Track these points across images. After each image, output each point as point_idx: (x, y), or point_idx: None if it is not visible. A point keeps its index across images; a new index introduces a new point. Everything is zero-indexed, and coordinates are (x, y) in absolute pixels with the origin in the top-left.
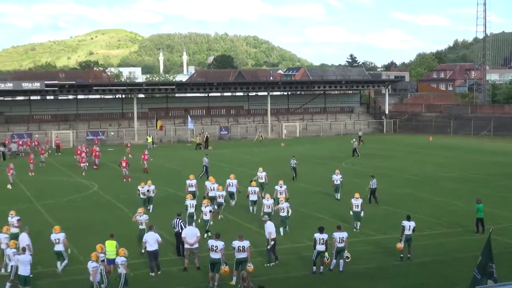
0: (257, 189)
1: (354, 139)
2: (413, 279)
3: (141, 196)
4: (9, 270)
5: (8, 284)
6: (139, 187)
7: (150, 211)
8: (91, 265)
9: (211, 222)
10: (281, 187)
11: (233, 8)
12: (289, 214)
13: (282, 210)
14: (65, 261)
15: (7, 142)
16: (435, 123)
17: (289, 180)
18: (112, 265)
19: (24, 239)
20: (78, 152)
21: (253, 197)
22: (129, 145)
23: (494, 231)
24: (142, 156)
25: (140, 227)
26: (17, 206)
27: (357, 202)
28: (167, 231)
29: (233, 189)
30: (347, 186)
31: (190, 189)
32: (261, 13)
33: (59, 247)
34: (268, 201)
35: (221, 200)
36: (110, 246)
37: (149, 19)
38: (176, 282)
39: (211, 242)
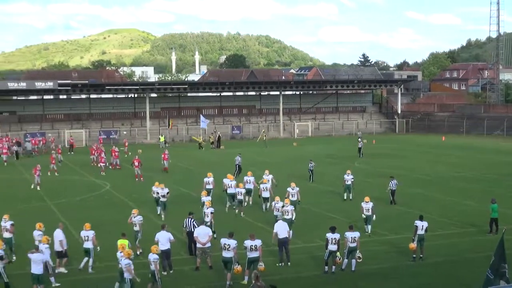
0: (269, 185)
1: (360, 139)
2: (425, 279)
3: (156, 197)
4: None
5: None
6: (154, 187)
7: (163, 216)
8: (124, 262)
9: (213, 222)
10: (293, 189)
11: (245, 8)
12: (294, 218)
13: (287, 213)
14: (91, 260)
15: (21, 141)
16: (448, 123)
17: (303, 180)
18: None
19: (59, 235)
20: (93, 152)
21: (265, 194)
22: (126, 144)
23: (507, 231)
24: (162, 156)
25: (135, 228)
26: (30, 204)
27: (367, 206)
28: (179, 230)
29: (250, 186)
30: (359, 186)
31: (207, 186)
32: (273, 13)
33: (88, 245)
34: (278, 204)
35: (240, 197)
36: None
37: (161, 19)
38: (188, 281)
39: (224, 241)
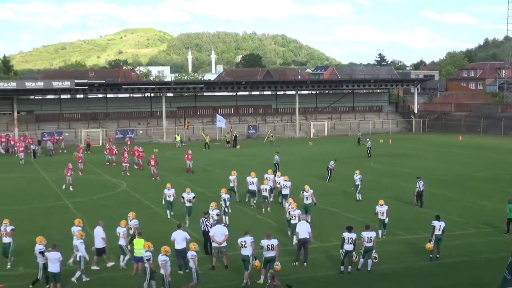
0: (289, 183)
1: (368, 139)
2: (442, 279)
3: (186, 203)
4: (78, 260)
5: (78, 273)
6: (165, 190)
7: (187, 222)
8: (160, 258)
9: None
10: (307, 192)
11: (261, 7)
12: (309, 220)
13: (294, 217)
14: (127, 256)
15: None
16: (465, 123)
17: (319, 179)
18: (140, 263)
19: (99, 232)
20: (108, 151)
21: (285, 191)
22: (129, 142)
23: None
24: (186, 156)
25: (130, 232)
26: (46, 203)
27: (382, 209)
28: (195, 230)
29: (270, 183)
30: (376, 185)
31: (231, 184)
32: (288, 12)
33: (121, 241)
34: (289, 206)
35: (265, 193)
36: (138, 244)
37: (177, 18)
38: (204, 281)
39: (240, 239)
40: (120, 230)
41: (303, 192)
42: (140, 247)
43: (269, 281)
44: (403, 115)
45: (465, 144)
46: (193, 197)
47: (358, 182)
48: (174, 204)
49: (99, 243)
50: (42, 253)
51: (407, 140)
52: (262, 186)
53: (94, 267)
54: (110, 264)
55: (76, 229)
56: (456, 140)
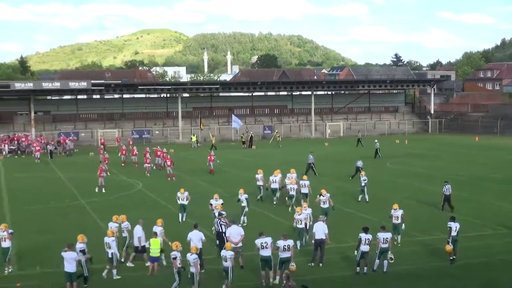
0: (307, 182)
1: (376, 140)
2: (458, 280)
3: (181, 203)
4: (109, 256)
5: (114, 271)
6: (179, 193)
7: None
8: (192, 257)
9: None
10: (324, 196)
11: (277, 8)
12: (307, 227)
13: (299, 222)
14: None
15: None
16: (482, 123)
17: (334, 180)
18: (156, 263)
19: (138, 231)
20: (123, 152)
21: (304, 190)
22: (130, 142)
23: None
24: (208, 157)
25: (122, 234)
26: (63, 203)
27: (396, 213)
28: (210, 230)
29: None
30: (392, 186)
31: (257, 183)
32: (304, 12)
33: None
34: (305, 211)
35: (292, 192)
36: (155, 244)
37: (193, 19)
38: (221, 281)
39: (260, 240)
40: (157, 229)
41: (319, 196)
42: (157, 247)
43: (284, 281)
44: (419, 115)
45: (482, 145)
46: (221, 204)
47: (362, 184)
48: (187, 207)
49: (136, 241)
50: (82, 251)
51: (423, 141)
52: (289, 186)
53: (129, 264)
54: (148, 263)
55: (113, 225)
56: (473, 141)
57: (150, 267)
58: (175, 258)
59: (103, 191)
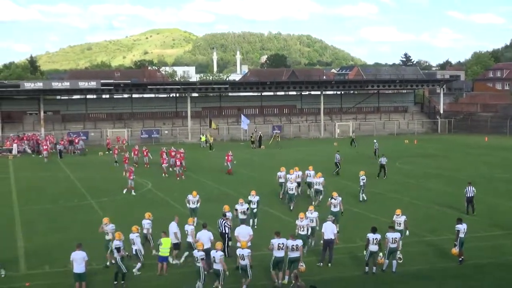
0: (321, 179)
1: (375, 140)
2: (467, 281)
3: (191, 206)
4: (134, 253)
5: (139, 265)
6: (189, 196)
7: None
8: (218, 254)
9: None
10: (335, 199)
11: (286, 8)
12: (309, 233)
13: (301, 229)
14: (186, 253)
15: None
16: (491, 123)
17: (343, 180)
18: (164, 263)
19: (173, 227)
20: (135, 153)
21: (318, 187)
22: (124, 141)
23: None
24: (226, 157)
25: (106, 237)
26: (72, 202)
27: (399, 219)
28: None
29: (311, 179)
30: (400, 186)
31: (280, 180)
32: (313, 12)
33: (189, 239)
34: (311, 215)
35: (318, 187)
36: (166, 243)
37: (202, 19)
38: (229, 280)
39: (278, 241)
40: (188, 228)
41: (331, 199)
42: (167, 246)
43: (293, 281)
44: (428, 115)
45: (491, 145)
46: (258, 200)
47: (361, 184)
48: (197, 211)
49: (173, 238)
50: (118, 249)
51: (432, 141)
52: (314, 180)
53: (175, 261)
54: (174, 261)
55: (146, 222)
56: (482, 141)
57: (159, 267)
58: (203, 259)
59: (133, 193)
